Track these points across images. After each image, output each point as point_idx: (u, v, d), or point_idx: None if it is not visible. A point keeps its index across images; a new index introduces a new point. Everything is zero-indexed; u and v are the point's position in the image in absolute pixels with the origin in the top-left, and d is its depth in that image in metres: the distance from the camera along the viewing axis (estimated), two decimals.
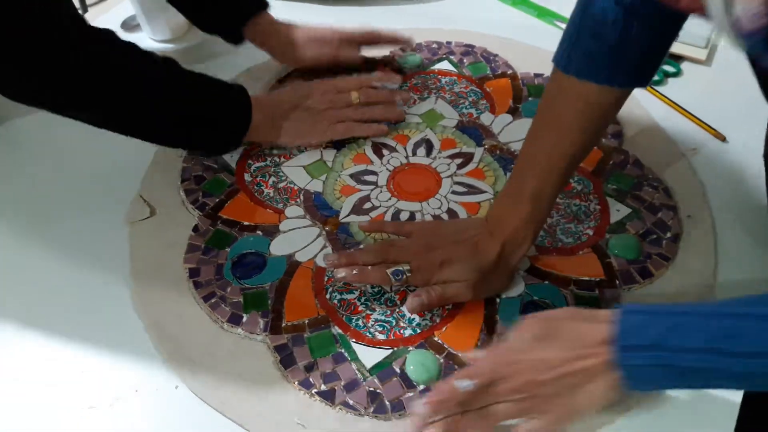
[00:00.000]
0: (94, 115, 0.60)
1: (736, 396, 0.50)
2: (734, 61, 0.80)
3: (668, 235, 0.60)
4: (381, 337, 0.54)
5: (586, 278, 0.57)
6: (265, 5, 0.74)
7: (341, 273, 0.55)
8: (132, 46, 0.59)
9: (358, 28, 0.77)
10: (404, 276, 0.55)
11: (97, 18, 0.91)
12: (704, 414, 0.49)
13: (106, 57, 0.57)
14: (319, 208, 0.64)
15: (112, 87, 0.58)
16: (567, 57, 0.53)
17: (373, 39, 0.77)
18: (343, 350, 0.53)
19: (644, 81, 0.55)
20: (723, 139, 0.70)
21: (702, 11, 0.33)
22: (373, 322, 0.55)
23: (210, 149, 0.68)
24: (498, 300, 0.56)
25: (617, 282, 0.57)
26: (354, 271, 0.55)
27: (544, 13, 0.88)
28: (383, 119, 0.71)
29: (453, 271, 0.55)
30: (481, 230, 0.56)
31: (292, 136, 0.68)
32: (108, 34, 0.58)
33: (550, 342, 0.45)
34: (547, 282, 0.57)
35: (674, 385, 0.44)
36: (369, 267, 0.56)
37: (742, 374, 0.40)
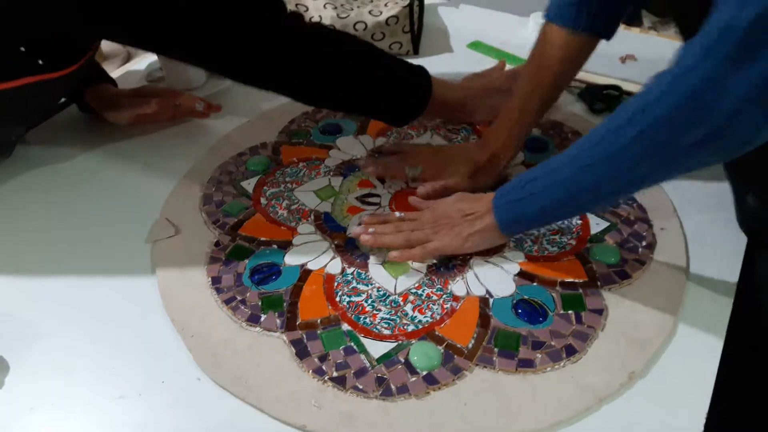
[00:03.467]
0: (309, 93, 0.75)
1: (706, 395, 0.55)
2: None
3: (643, 243, 0.67)
4: (387, 332, 0.60)
5: (571, 280, 0.64)
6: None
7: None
8: (341, 34, 0.75)
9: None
10: (418, 173, 0.75)
11: (121, 68, 1.01)
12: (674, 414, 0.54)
13: (320, 45, 0.72)
14: (328, 225, 0.71)
15: (327, 68, 0.72)
16: (548, 7, 0.71)
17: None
18: (352, 344, 0.59)
19: (607, 32, 0.70)
20: None
21: None
22: (379, 320, 0.61)
23: (394, 120, 0.81)
24: (491, 299, 0.62)
25: (598, 283, 0.63)
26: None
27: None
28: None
29: (453, 170, 0.74)
30: (473, 149, 0.76)
31: (488, 112, 0.83)
32: (321, 26, 0.78)
33: (466, 201, 0.67)
34: (535, 283, 0.63)
35: (524, 214, 0.60)
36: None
37: (558, 186, 0.56)
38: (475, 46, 1.04)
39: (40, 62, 0.67)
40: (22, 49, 0.66)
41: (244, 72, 0.71)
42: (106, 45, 1.76)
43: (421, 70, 0.77)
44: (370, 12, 1.00)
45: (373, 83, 0.74)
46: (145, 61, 1.02)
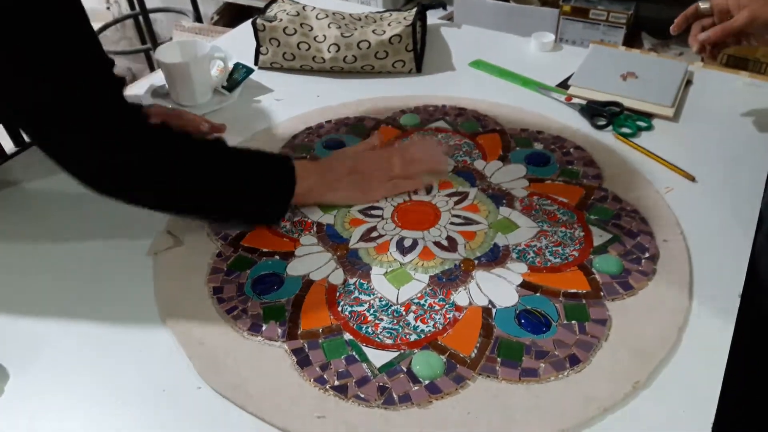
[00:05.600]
0: (149, 200, 0.67)
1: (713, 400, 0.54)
2: (697, 117, 0.90)
3: (646, 255, 0.67)
4: (389, 342, 0.59)
5: (574, 290, 0.63)
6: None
7: None
8: (185, 139, 0.68)
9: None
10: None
11: (129, 87, 1.02)
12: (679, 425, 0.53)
13: (162, 152, 0.65)
14: (330, 237, 0.71)
15: (167, 177, 0.65)
16: None
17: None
18: (354, 353, 0.58)
19: None
20: (692, 179, 0.78)
21: None
22: (381, 330, 0.60)
23: (259, 222, 0.73)
24: (494, 309, 0.62)
25: (602, 293, 0.63)
26: None
27: (527, 82, 0.99)
28: (426, 171, 0.79)
29: None
30: None
31: (350, 195, 0.76)
32: (165, 129, 0.68)
33: None
34: (538, 294, 0.63)
35: None
36: None
37: None
38: (477, 64, 1.05)
39: None
40: None
41: (95, 178, 0.65)
42: None
43: (282, 163, 0.72)
44: (373, 31, 1.01)
45: (232, 194, 0.69)
46: (148, 81, 1.04)
